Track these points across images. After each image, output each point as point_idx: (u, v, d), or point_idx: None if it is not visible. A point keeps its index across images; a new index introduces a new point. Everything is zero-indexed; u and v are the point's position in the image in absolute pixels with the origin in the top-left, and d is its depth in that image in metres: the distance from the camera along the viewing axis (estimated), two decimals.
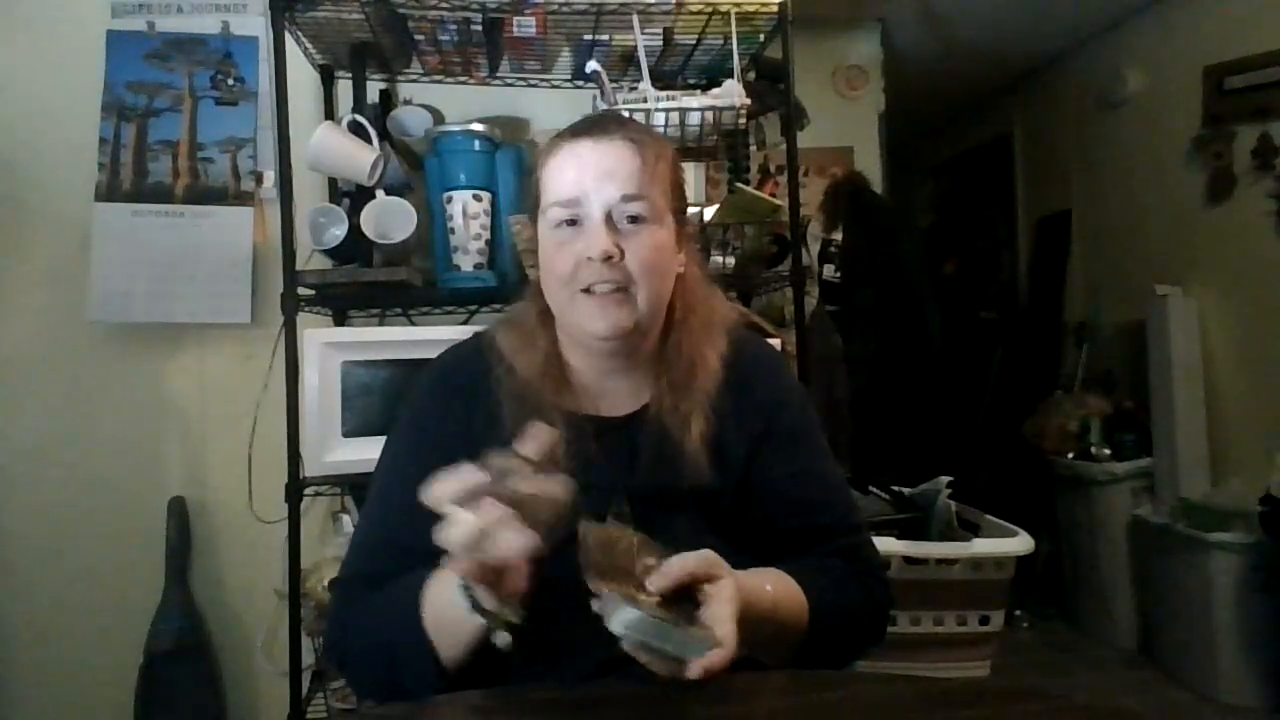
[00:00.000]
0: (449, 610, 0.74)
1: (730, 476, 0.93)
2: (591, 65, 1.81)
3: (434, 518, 0.87)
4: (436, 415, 0.93)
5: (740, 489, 0.93)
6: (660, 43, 1.89)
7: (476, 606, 0.71)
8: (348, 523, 1.88)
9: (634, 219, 0.87)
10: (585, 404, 0.94)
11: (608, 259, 0.85)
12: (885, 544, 1.74)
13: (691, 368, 0.93)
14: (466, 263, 1.77)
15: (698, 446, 0.90)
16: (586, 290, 0.86)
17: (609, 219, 0.87)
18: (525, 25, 1.77)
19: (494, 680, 0.80)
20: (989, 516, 2.00)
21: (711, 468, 0.90)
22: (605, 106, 1.72)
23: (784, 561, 0.88)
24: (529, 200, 0.95)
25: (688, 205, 0.97)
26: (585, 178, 0.87)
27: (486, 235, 1.79)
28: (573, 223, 0.87)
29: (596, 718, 0.72)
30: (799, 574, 0.86)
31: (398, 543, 0.88)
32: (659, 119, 1.70)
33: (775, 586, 0.83)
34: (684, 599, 0.71)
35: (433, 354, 1.01)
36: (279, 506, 1.66)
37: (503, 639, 0.70)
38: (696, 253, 0.97)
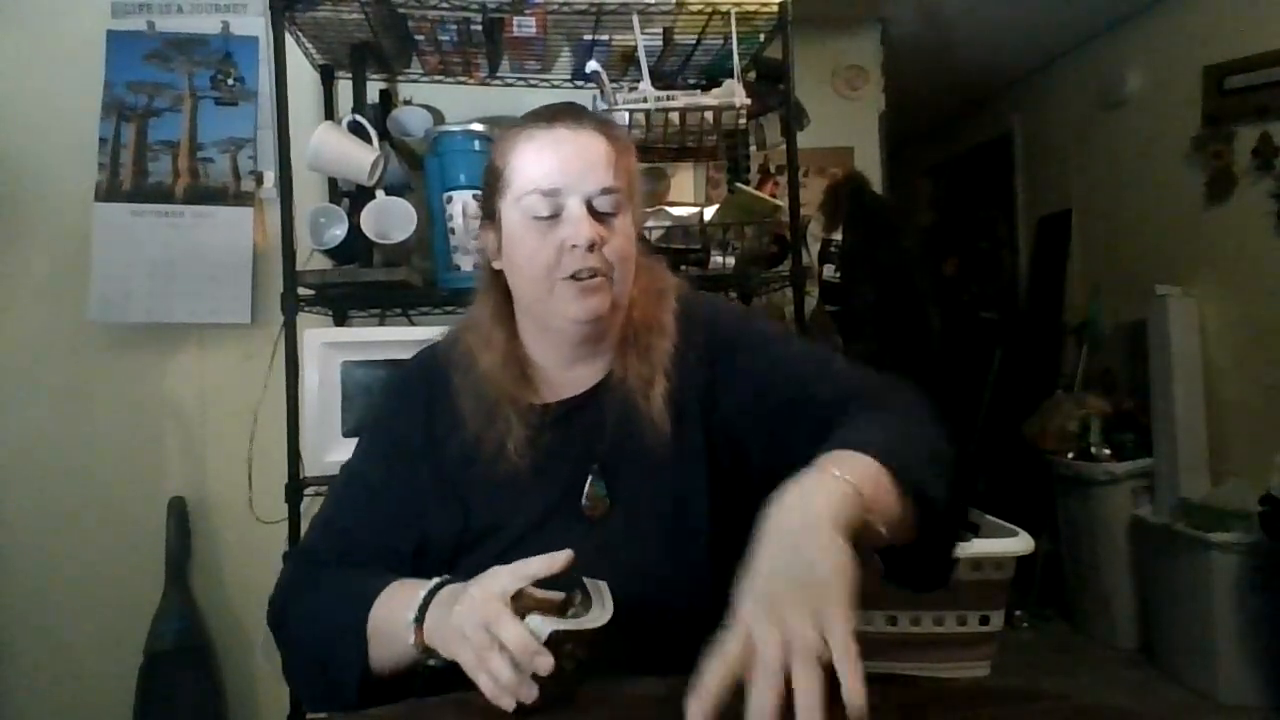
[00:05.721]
0: (396, 620, 0.79)
1: (695, 431, 0.92)
2: (591, 65, 1.82)
3: (387, 517, 0.93)
4: (399, 420, 0.97)
5: (711, 441, 0.92)
6: (660, 43, 1.89)
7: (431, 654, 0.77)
8: None
9: (610, 210, 0.90)
10: (546, 393, 0.95)
11: (591, 247, 0.86)
12: None
13: (649, 335, 0.94)
14: (466, 263, 1.77)
15: (660, 407, 0.91)
16: (566, 278, 0.88)
17: (589, 207, 0.88)
18: (525, 25, 1.78)
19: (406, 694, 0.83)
20: (989, 516, 2.00)
21: (674, 424, 0.91)
22: (605, 106, 1.72)
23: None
24: (488, 190, 0.94)
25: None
26: (567, 167, 0.88)
27: None
28: (552, 212, 0.88)
29: (598, 717, 0.72)
30: (838, 441, 0.75)
31: (353, 534, 0.94)
32: (659, 119, 1.71)
33: (840, 468, 0.69)
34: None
35: None
36: (279, 506, 1.66)
37: (437, 659, 0.77)
38: (641, 226, 0.99)
